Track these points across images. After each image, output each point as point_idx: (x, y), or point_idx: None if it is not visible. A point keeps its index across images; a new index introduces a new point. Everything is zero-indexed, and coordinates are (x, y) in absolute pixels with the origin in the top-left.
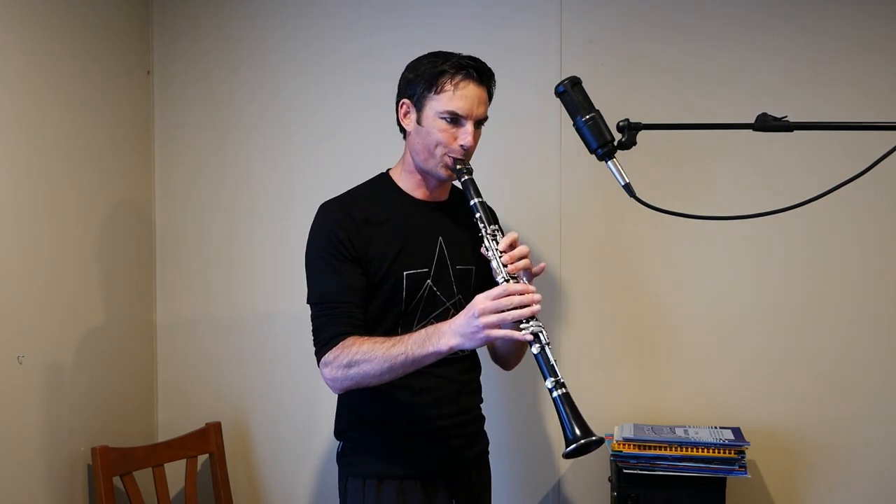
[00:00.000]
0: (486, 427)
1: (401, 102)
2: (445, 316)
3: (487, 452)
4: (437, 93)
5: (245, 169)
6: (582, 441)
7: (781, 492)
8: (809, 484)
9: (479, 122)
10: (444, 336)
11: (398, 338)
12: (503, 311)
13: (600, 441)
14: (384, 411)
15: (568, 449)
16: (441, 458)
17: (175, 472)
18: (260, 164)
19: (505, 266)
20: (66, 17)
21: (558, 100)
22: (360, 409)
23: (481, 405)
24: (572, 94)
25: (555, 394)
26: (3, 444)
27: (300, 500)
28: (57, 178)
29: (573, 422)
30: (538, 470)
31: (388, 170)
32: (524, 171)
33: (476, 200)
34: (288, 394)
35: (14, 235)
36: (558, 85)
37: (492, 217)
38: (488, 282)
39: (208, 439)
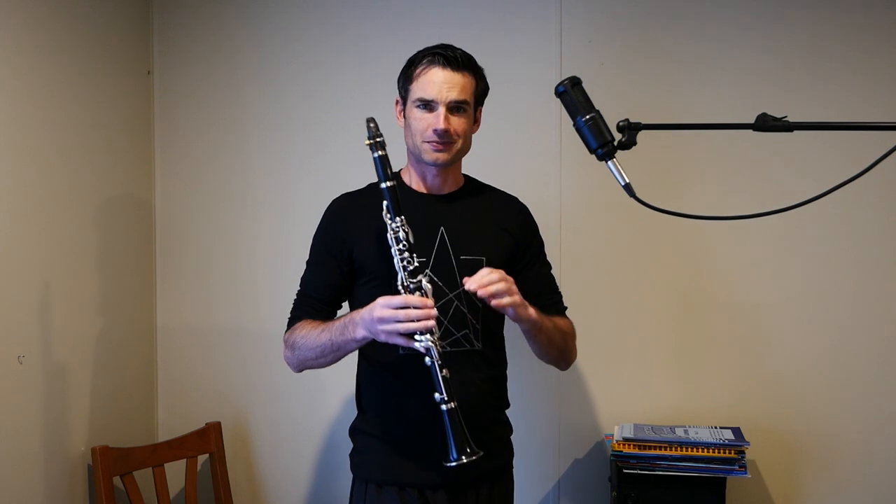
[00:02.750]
0: None
1: (395, 101)
2: (450, 307)
3: (511, 466)
4: (411, 83)
5: (245, 169)
6: (464, 461)
7: (781, 492)
8: (809, 484)
9: (457, 107)
10: (357, 326)
11: (329, 323)
12: (398, 322)
13: (479, 456)
14: (387, 413)
15: (448, 465)
16: (445, 469)
17: (175, 472)
18: (260, 164)
19: (406, 269)
20: (67, 17)
21: (558, 100)
22: (367, 408)
23: (505, 411)
24: (572, 94)
25: (443, 407)
26: (3, 445)
27: (300, 501)
28: (57, 179)
29: (454, 440)
30: (538, 469)
31: (400, 169)
32: (524, 171)
33: (385, 185)
34: (288, 394)
35: (14, 235)
36: (558, 85)
37: (399, 206)
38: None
39: (208, 439)
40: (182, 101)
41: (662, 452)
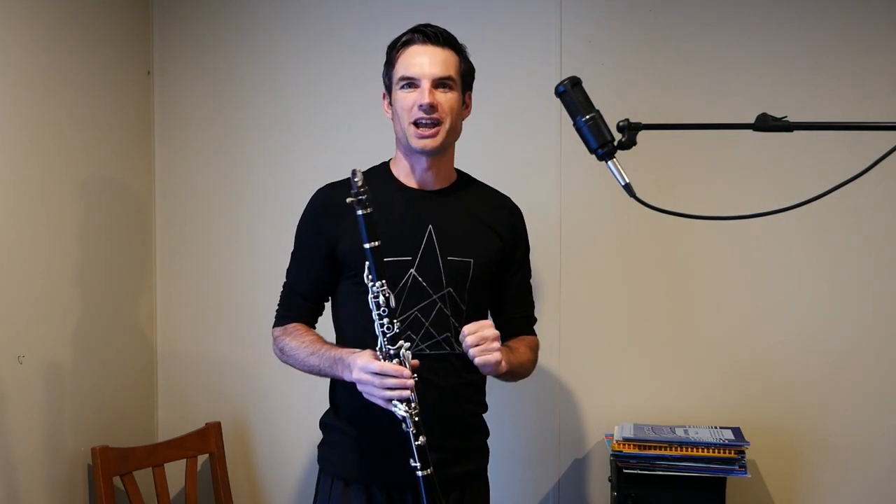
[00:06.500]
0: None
1: (383, 95)
2: (432, 309)
3: (485, 471)
4: (393, 67)
5: (245, 168)
6: None
7: (781, 492)
8: (809, 484)
9: (443, 84)
10: (347, 372)
11: (319, 347)
12: (375, 388)
13: None
14: (357, 410)
15: None
16: (413, 470)
17: (175, 472)
18: (260, 164)
19: (385, 335)
20: (67, 17)
21: (558, 100)
22: (339, 402)
23: (482, 415)
24: (572, 94)
25: (418, 474)
26: (3, 444)
27: (300, 500)
28: (57, 178)
29: None
30: (538, 470)
31: (390, 159)
32: (524, 171)
33: (369, 245)
34: (288, 394)
35: (14, 235)
36: (558, 85)
37: (383, 269)
38: (490, 275)
39: (208, 439)
40: (182, 101)
41: (662, 452)
